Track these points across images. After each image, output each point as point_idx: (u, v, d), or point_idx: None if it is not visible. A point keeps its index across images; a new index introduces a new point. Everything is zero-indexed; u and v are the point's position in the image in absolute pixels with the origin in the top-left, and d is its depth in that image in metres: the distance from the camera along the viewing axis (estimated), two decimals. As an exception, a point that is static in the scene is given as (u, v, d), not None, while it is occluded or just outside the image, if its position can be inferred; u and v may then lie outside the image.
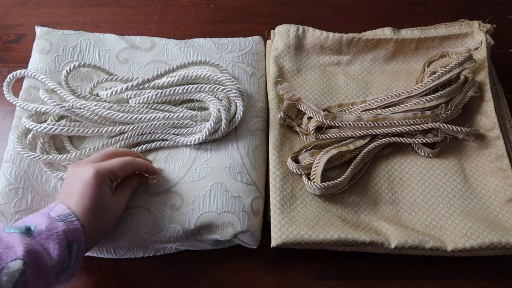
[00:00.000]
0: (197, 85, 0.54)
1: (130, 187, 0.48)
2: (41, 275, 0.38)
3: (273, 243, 0.48)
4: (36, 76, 0.54)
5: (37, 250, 0.38)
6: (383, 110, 0.55)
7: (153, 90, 0.54)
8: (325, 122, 0.54)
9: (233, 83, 0.55)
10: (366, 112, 0.55)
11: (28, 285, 0.37)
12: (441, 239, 0.49)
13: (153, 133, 0.53)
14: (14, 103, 0.53)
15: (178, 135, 0.53)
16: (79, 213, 0.42)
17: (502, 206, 0.51)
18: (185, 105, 0.56)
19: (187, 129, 0.53)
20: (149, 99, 0.53)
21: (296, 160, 0.53)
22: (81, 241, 0.41)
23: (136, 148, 0.53)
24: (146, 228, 0.48)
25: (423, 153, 0.55)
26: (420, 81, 0.58)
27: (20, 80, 0.57)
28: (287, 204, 0.50)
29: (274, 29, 0.63)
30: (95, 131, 0.52)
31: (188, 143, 0.53)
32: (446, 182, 0.53)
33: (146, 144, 0.53)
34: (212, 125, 0.52)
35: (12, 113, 0.55)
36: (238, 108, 0.54)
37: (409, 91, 0.55)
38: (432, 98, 0.54)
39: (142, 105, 0.54)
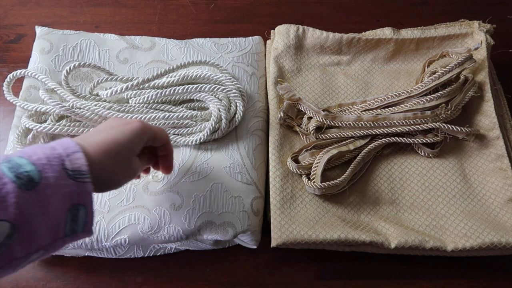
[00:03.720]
0: (197, 85, 0.54)
1: (144, 162, 0.45)
2: (33, 238, 0.32)
3: (273, 243, 0.48)
4: (36, 76, 0.54)
5: (33, 211, 0.31)
6: (383, 110, 0.55)
7: (153, 90, 0.54)
8: (325, 122, 0.54)
9: (233, 83, 0.55)
10: (366, 112, 0.55)
11: (15, 248, 0.31)
12: (441, 239, 0.49)
13: (153, 133, 0.53)
14: (14, 103, 0.53)
15: (178, 135, 0.53)
16: (104, 144, 0.36)
17: (502, 206, 0.51)
18: (185, 105, 0.56)
19: (187, 129, 0.53)
20: (149, 99, 0.53)
21: (296, 160, 0.53)
22: (90, 205, 0.34)
23: (136, 148, 0.53)
24: (146, 228, 0.48)
25: (423, 153, 0.55)
26: (420, 81, 0.58)
27: (20, 80, 0.57)
28: (287, 204, 0.50)
29: (274, 29, 0.63)
30: (95, 131, 0.52)
31: (189, 143, 0.53)
32: (446, 182, 0.53)
33: (146, 144, 0.53)
34: (213, 125, 0.52)
35: (12, 113, 0.55)
36: (238, 108, 0.54)
37: (409, 91, 0.55)
38: (432, 98, 0.54)
39: (142, 105, 0.54)
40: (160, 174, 0.51)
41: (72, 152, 0.34)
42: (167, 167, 0.47)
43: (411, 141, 0.54)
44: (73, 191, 0.33)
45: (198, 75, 0.54)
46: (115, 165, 0.37)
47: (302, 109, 0.55)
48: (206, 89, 0.54)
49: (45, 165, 0.32)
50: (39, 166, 0.32)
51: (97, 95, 0.55)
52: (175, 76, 0.54)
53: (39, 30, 0.60)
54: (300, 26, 0.61)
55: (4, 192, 0.30)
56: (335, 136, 0.54)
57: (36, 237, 0.32)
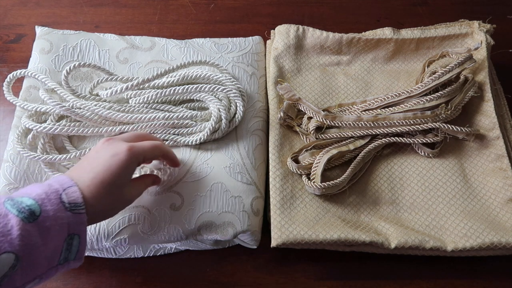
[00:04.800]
0: (197, 85, 0.54)
1: (145, 184, 0.47)
2: (32, 268, 0.34)
3: (273, 243, 0.48)
4: (36, 76, 0.54)
5: (34, 242, 0.34)
6: (383, 110, 0.55)
7: (153, 90, 0.54)
8: (325, 122, 0.54)
9: (233, 83, 0.55)
10: (366, 112, 0.55)
11: (16, 278, 0.33)
12: (441, 239, 0.49)
13: (153, 133, 0.53)
14: (14, 103, 0.53)
15: (178, 135, 0.53)
16: (94, 186, 0.38)
17: (502, 206, 0.51)
18: (185, 105, 0.56)
19: (187, 129, 0.53)
20: (149, 99, 0.53)
21: (296, 160, 0.53)
22: (83, 235, 0.37)
23: (136, 148, 0.53)
24: (146, 228, 0.48)
25: (423, 153, 0.55)
26: (420, 81, 0.58)
27: (20, 80, 0.57)
28: (287, 204, 0.50)
29: (274, 29, 0.63)
30: (95, 131, 0.52)
31: (189, 143, 0.53)
32: (446, 182, 0.53)
33: (146, 144, 0.53)
34: (213, 125, 0.52)
35: (12, 113, 0.55)
36: (238, 108, 0.54)
37: (409, 91, 0.55)
38: (432, 98, 0.54)
39: (142, 105, 0.54)
40: (154, 172, 0.51)
41: (68, 187, 0.37)
42: (173, 163, 0.49)
43: (411, 141, 0.54)
44: (71, 222, 0.36)
45: (198, 75, 0.54)
46: (106, 203, 0.40)
47: (302, 109, 0.55)
48: (206, 89, 0.54)
49: (44, 199, 0.35)
50: (39, 201, 0.35)
51: (97, 95, 0.55)
52: (175, 76, 0.54)
53: (39, 30, 0.60)
54: (300, 26, 0.61)
55: (9, 226, 0.33)
56: (335, 136, 0.54)
57: (35, 267, 0.34)
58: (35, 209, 0.34)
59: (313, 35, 0.61)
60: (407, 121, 0.53)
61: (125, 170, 0.41)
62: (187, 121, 0.53)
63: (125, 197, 0.43)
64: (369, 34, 0.62)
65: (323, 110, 0.54)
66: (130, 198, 0.44)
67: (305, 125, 0.55)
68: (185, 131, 0.53)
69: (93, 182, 0.39)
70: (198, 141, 0.53)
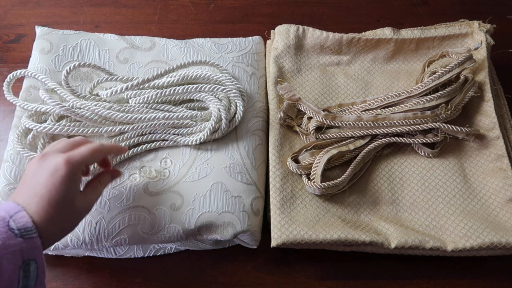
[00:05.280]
0: (197, 85, 0.54)
1: (101, 185, 0.44)
2: None
3: (273, 243, 0.48)
4: (36, 76, 0.54)
5: None
6: (383, 110, 0.55)
7: (153, 90, 0.54)
8: (325, 122, 0.54)
9: (233, 83, 0.55)
10: (366, 112, 0.55)
11: None
12: (441, 239, 0.49)
13: (153, 133, 0.53)
14: (14, 103, 0.53)
15: (178, 135, 0.54)
16: (42, 209, 0.37)
17: (502, 206, 0.51)
18: (185, 105, 0.56)
19: (187, 129, 0.53)
20: (149, 99, 0.53)
21: (296, 160, 0.53)
22: (40, 259, 0.36)
23: (136, 148, 0.53)
24: (146, 228, 0.48)
25: (423, 153, 0.55)
26: (420, 81, 0.58)
27: (20, 80, 0.57)
28: (287, 204, 0.50)
29: (274, 29, 0.63)
30: (95, 131, 0.52)
31: (189, 143, 0.53)
32: (446, 182, 0.53)
33: (146, 144, 0.53)
34: (213, 125, 0.52)
35: (12, 113, 0.55)
36: (238, 108, 0.54)
37: (409, 91, 0.55)
38: (432, 98, 0.54)
39: (142, 105, 0.54)
40: (153, 172, 0.51)
41: (15, 213, 0.36)
42: (120, 153, 0.49)
43: (411, 141, 0.54)
44: (23, 248, 0.34)
45: (198, 75, 0.54)
46: (60, 221, 0.38)
47: (302, 109, 0.55)
48: (206, 89, 0.54)
49: None
50: None
51: (97, 95, 0.55)
52: (175, 76, 0.54)
53: (39, 30, 0.60)
54: (300, 26, 0.61)
55: None
56: (335, 136, 0.54)
57: None
58: None
59: (313, 35, 0.61)
60: (407, 121, 0.53)
61: (70, 184, 0.39)
62: (187, 121, 0.53)
63: (79, 207, 0.40)
64: (369, 34, 0.62)
65: (323, 110, 0.54)
66: (86, 206, 0.42)
67: (305, 125, 0.55)
68: (185, 131, 0.53)
69: (39, 206, 0.37)
70: (198, 141, 0.53)
